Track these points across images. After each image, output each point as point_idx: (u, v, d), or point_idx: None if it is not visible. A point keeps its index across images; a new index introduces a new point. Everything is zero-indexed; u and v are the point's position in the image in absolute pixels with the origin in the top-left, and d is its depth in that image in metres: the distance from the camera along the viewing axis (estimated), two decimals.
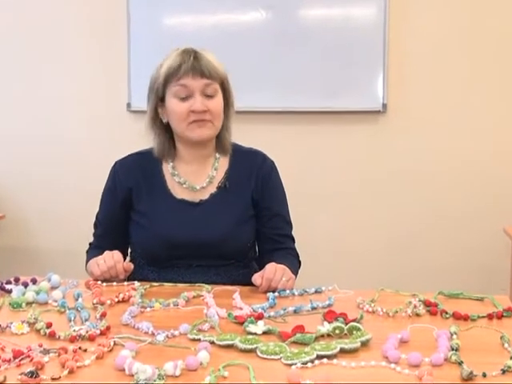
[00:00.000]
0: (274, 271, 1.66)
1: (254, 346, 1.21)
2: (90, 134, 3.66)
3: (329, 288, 1.68)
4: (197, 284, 1.69)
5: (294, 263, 1.88)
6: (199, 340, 1.26)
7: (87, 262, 1.89)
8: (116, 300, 1.54)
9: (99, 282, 1.68)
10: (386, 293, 1.62)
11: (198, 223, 1.83)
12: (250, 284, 1.68)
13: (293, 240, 1.97)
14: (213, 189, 1.88)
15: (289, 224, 1.96)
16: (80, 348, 1.19)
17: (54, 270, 1.77)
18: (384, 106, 3.36)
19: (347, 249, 3.49)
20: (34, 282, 1.69)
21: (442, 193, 3.41)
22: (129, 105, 3.57)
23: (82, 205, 3.58)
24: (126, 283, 1.71)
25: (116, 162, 1.95)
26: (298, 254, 1.95)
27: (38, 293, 1.56)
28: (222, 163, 1.92)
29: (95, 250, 1.91)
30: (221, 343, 1.24)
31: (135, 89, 3.54)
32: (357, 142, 3.46)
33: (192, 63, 1.79)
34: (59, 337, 1.27)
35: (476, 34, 3.31)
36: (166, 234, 1.81)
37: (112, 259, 1.72)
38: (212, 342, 1.24)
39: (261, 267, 1.77)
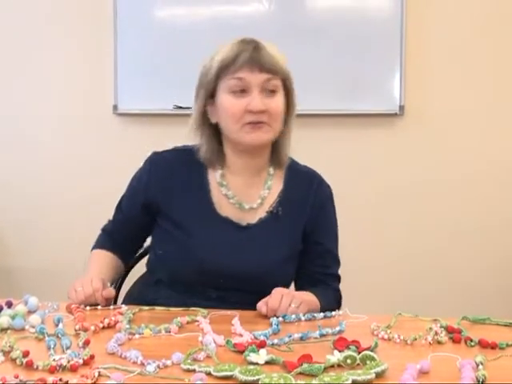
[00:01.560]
0: (278, 299, 1.64)
1: (256, 377, 1.20)
2: (71, 140, 3.67)
3: (339, 313, 1.69)
4: (191, 308, 1.69)
5: (327, 299, 1.82)
6: (194, 371, 1.25)
7: (94, 246, 1.95)
8: (101, 326, 1.53)
9: (82, 306, 1.68)
10: (403, 318, 1.63)
11: (241, 251, 1.78)
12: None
13: (338, 279, 1.95)
14: (262, 212, 1.83)
15: (338, 262, 1.95)
16: (61, 380, 1.19)
17: (31, 291, 1.77)
18: (401, 108, 3.37)
19: (360, 268, 3.49)
20: (9, 305, 1.69)
21: (466, 204, 3.41)
22: (115, 107, 3.57)
23: (63, 217, 3.60)
24: (111, 307, 1.71)
25: (152, 157, 1.89)
26: (340, 296, 1.93)
27: (13, 317, 1.56)
28: (276, 181, 1.87)
29: (106, 235, 1.96)
30: (218, 374, 1.23)
31: (122, 89, 3.55)
32: (371, 147, 3.47)
33: (251, 54, 1.72)
34: (37, 367, 1.27)
35: (505, 28, 3.33)
36: (202, 256, 1.77)
37: (90, 287, 1.70)
38: (208, 373, 1.23)
39: None
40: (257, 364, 1.29)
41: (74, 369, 1.26)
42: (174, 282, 1.82)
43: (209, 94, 1.78)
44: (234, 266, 1.76)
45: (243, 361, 1.32)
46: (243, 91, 1.73)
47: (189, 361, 1.30)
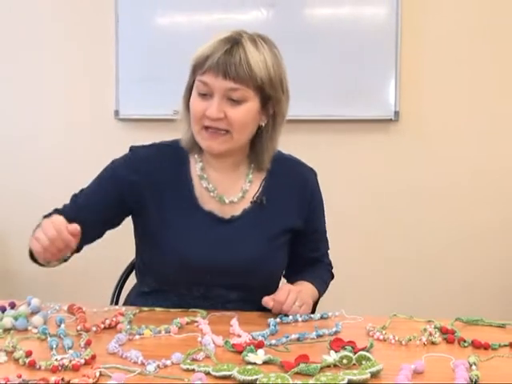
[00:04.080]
0: (286, 294, 1.67)
1: (254, 377, 1.21)
2: (73, 145, 3.67)
3: (336, 314, 1.69)
4: (190, 309, 1.69)
5: (323, 279, 1.89)
6: (193, 370, 1.25)
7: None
8: (102, 326, 1.53)
9: (83, 308, 1.68)
10: (398, 319, 1.63)
11: (226, 244, 1.71)
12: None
13: (328, 253, 1.97)
14: (246, 203, 1.76)
15: (327, 239, 1.95)
16: (63, 379, 1.19)
17: (33, 293, 1.77)
18: (396, 113, 3.37)
19: (356, 271, 3.49)
20: (12, 306, 1.69)
21: (460, 208, 3.41)
22: (117, 112, 3.58)
23: None
24: (117, 307, 1.70)
25: (133, 150, 1.81)
26: (331, 266, 1.96)
27: (16, 318, 1.56)
28: (258, 172, 1.80)
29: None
30: (217, 374, 1.23)
31: (124, 94, 3.55)
32: (366, 153, 3.47)
33: (219, 58, 1.62)
34: (40, 367, 1.27)
35: (497, 36, 3.33)
36: (186, 253, 1.69)
37: (53, 228, 1.47)
38: (207, 373, 1.24)
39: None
40: (255, 364, 1.29)
41: (75, 369, 1.26)
42: (161, 288, 1.77)
43: (189, 86, 1.73)
44: (220, 260, 1.69)
45: (241, 361, 1.32)
46: (208, 95, 1.65)
47: (188, 361, 1.30)
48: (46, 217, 1.68)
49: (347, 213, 3.49)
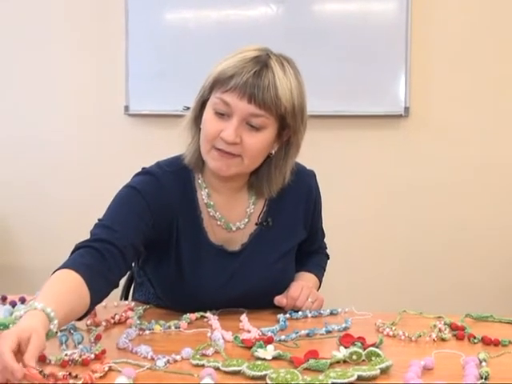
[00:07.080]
0: (299, 290, 1.68)
1: (263, 372, 1.20)
2: (83, 140, 3.68)
3: (345, 310, 1.69)
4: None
5: (322, 267, 1.94)
6: (203, 366, 1.25)
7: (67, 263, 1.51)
8: (112, 321, 1.54)
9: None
10: (408, 315, 1.62)
11: (241, 276, 1.66)
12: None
13: (325, 243, 2.00)
14: (253, 226, 1.70)
15: (323, 232, 1.96)
16: (70, 374, 1.17)
17: None
18: (406, 109, 3.36)
19: (365, 267, 3.49)
20: (23, 301, 1.70)
21: (469, 205, 3.40)
22: (126, 108, 3.58)
23: (74, 217, 3.61)
24: (126, 302, 1.70)
25: (156, 175, 1.63)
26: (326, 248, 2.00)
27: None
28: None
29: (99, 232, 1.61)
30: (226, 369, 1.23)
31: (134, 90, 3.56)
32: (376, 149, 3.46)
33: (247, 80, 1.50)
34: (50, 361, 1.27)
35: (508, 32, 3.32)
36: (202, 295, 1.63)
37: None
38: (217, 368, 1.24)
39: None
40: (264, 359, 1.29)
41: (85, 363, 1.26)
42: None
43: (203, 100, 1.61)
44: (235, 292, 1.65)
45: (251, 356, 1.32)
46: (226, 115, 1.54)
47: (198, 356, 1.30)
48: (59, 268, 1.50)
49: (356, 209, 3.48)
